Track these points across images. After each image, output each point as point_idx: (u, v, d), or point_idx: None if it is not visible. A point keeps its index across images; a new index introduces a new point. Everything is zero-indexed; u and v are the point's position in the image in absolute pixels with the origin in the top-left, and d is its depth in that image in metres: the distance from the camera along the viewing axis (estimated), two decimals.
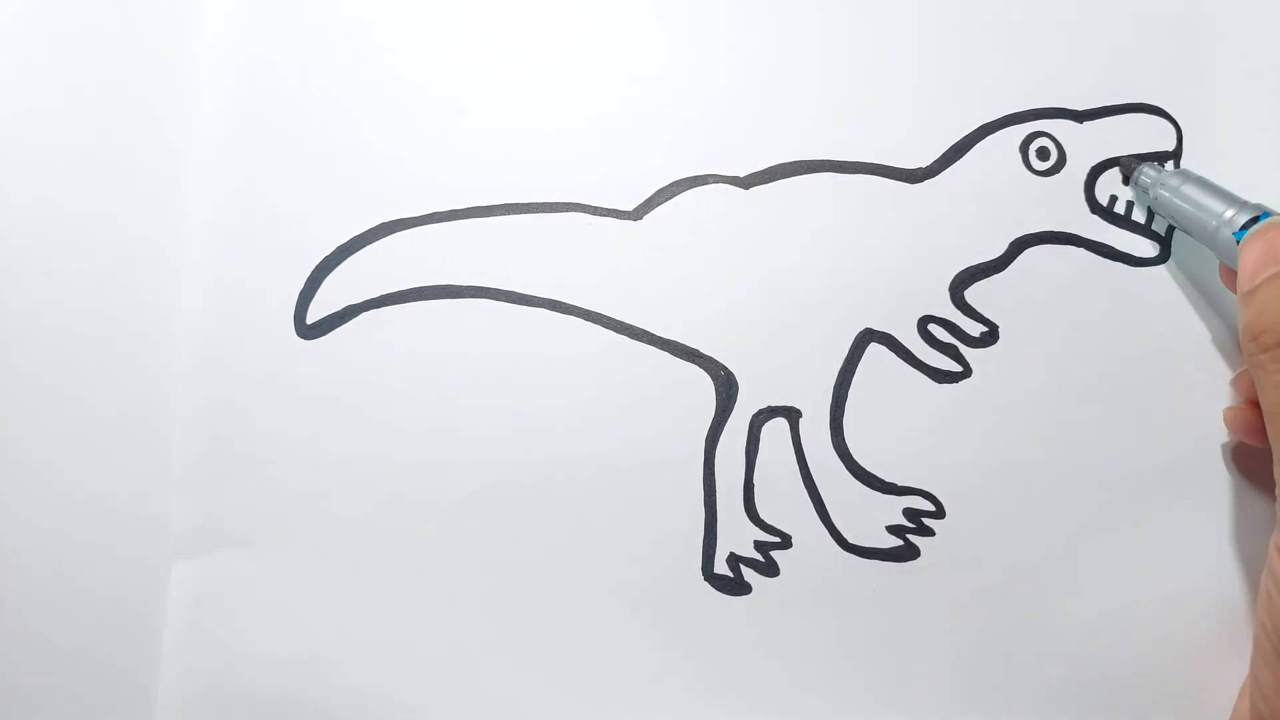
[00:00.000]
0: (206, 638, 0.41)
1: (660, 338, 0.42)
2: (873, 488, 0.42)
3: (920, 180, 0.43)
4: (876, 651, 0.41)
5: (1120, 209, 0.43)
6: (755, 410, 0.42)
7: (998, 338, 0.42)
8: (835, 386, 0.42)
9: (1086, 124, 0.43)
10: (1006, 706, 0.41)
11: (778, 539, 0.41)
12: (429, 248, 0.43)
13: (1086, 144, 0.43)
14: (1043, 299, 0.42)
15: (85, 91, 0.44)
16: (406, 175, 0.43)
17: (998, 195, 0.43)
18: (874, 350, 0.42)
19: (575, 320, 0.42)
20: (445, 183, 0.43)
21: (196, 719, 0.41)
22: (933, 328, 0.42)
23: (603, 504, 0.41)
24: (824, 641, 0.41)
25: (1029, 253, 0.43)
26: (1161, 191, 0.40)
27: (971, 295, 0.42)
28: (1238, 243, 0.37)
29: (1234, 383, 0.41)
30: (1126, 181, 0.42)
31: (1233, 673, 0.40)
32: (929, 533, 0.41)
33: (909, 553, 0.41)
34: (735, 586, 0.41)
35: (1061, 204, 0.43)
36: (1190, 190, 0.39)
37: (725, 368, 0.42)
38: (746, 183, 0.43)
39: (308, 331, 0.43)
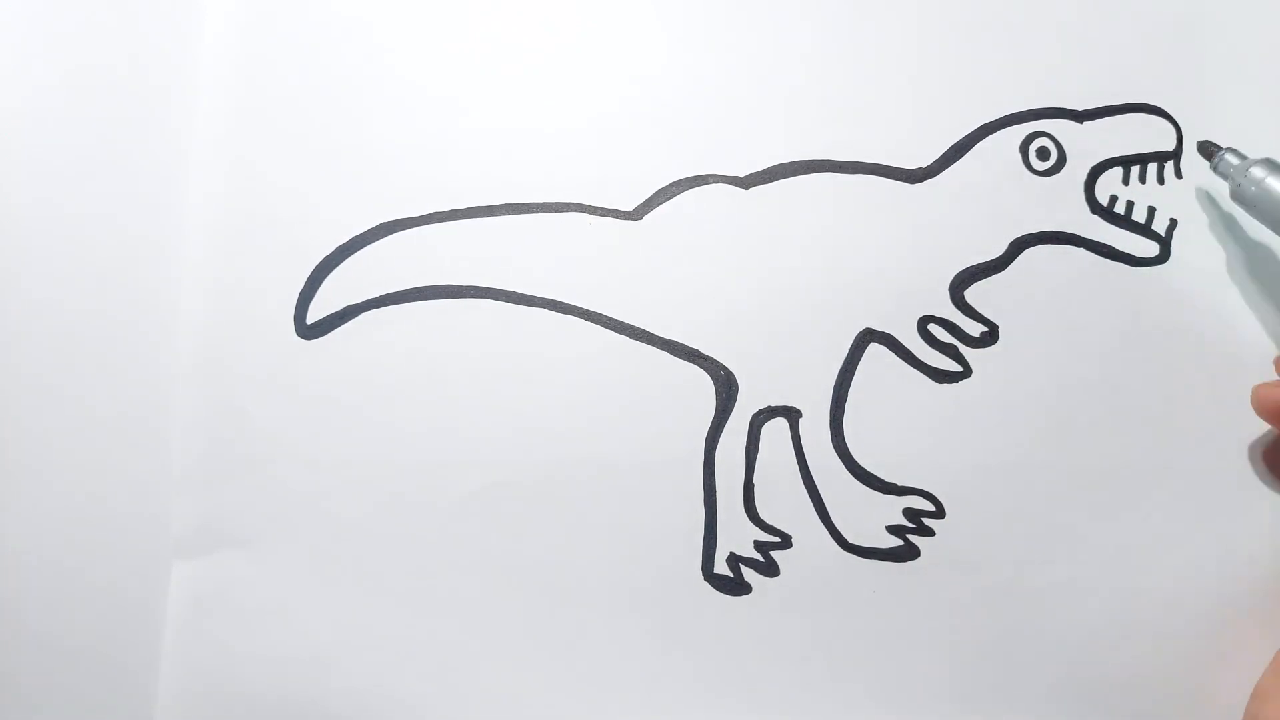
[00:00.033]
0: (206, 638, 0.41)
1: (660, 338, 0.42)
2: (873, 488, 0.42)
3: (920, 180, 0.43)
4: (876, 651, 0.41)
5: (1120, 209, 0.43)
6: (755, 410, 0.42)
7: (998, 338, 0.42)
8: (835, 386, 0.42)
9: (1086, 124, 0.43)
10: (1006, 706, 0.41)
11: (778, 539, 0.41)
12: (429, 248, 0.43)
13: (1086, 144, 0.43)
14: (1043, 299, 0.42)
15: (85, 91, 0.44)
16: (406, 175, 0.43)
17: (998, 195, 0.43)
18: (874, 350, 0.42)
19: (575, 320, 0.42)
20: (445, 183, 0.43)
21: (196, 719, 0.41)
22: (933, 328, 0.42)
23: (603, 504, 0.41)
24: (824, 641, 0.41)
25: (1029, 253, 0.43)
26: (1245, 181, 0.39)
27: (971, 295, 0.42)
28: None
29: (1277, 362, 0.40)
30: (1208, 158, 0.41)
31: (1233, 673, 0.40)
32: (929, 533, 0.41)
33: (909, 553, 0.41)
34: (735, 586, 0.41)
35: (1061, 204, 0.43)
36: (1275, 182, 0.39)
37: (725, 368, 0.42)
38: (746, 183, 0.43)
39: (308, 331, 0.43)
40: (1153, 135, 0.43)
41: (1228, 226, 0.43)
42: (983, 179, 0.43)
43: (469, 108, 0.44)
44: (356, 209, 0.43)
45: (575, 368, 0.42)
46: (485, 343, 0.42)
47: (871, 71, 0.44)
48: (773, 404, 0.42)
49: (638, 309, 0.42)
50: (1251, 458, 0.41)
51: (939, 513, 0.41)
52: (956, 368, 0.42)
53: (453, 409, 0.42)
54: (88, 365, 0.43)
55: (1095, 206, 0.43)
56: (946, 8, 0.44)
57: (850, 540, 0.41)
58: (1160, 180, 0.43)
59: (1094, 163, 0.43)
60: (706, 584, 0.41)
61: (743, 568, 0.41)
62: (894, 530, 0.41)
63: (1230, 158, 0.40)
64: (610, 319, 0.42)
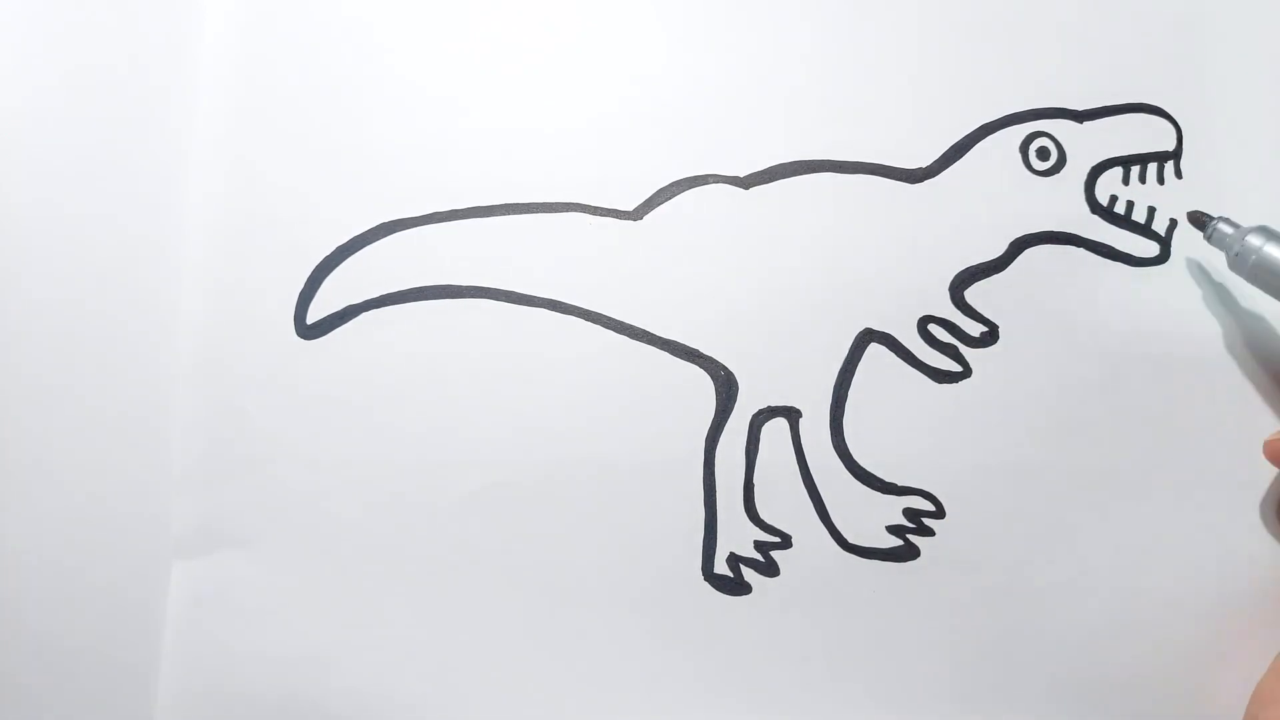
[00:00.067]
0: (206, 638, 0.41)
1: (660, 338, 0.42)
2: (873, 488, 0.42)
3: (920, 180, 0.43)
4: (876, 651, 0.41)
5: (1120, 209, 0.43)
6: (755, 410, 0.42)
7: (998, 338, 0.42)
8: (835, 386, 0.42)
9: (1086, 124, 0.43)
10: (1006, 706, 0.41)
11: (778, 539, 0.41)
12: (429, 248, 0.43)
13: (1086, 144, 0.43)
14: (1043, 299, 0.42)
15: (85, 91, 0.44)
16: (406, 175, 0.43)
17: (998, 195, 0.43)
18: (874, 350, 0.42)
19: (575, 320, 0.42)
20: (445, 183, 0.43)
21: (196, 719, 0.41)
22: (933, 328, 0.42)
23: (603, 504, 0.41)
24: (824, 641, 0.41)
25: (1029, 253, 0.43)
26: (1243, 251, 0.39)
27: (971, 295, 0.42)
28: None
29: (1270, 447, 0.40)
30: (1200, 228, 0.41)
31: (1233, 673, 0.40)
32: (929, 533, 0.41)
33: (909, 553, 0.41)
34: (735, 586, 0.41)
35: (1061, 204, 0.43)
36: (1274, 250, 0.38)
37: (725, 368, 0.42)
38: (746, 183, 0.43)
39: (308, 331, 0.43)
40: (1153, 135, 0.43)
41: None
42: (983, 179, 0.43)
43: (469, 108, 0.44)
44: (356, 209, 0.43)
45: (575, 368, 0.42)
46: (485, 343, 0.42)
47: (871, 71, 0.44)
48: (773, 404, 0.42)
49: (638, 309, 0.42)
50: (1252, 458, 0.41)
51: (939, 513, 0.41)
52: (956, 368, 0.42)
53: (453, 409, 0.42)
54: (88, 365, 0.43)
55: (1095, 206, 0.43)
56: (946, 8, 0.44)
57: (850, 540, 0.41)
58: (1160, 180, 0.43)
59: (1094, 163, 0.43)
60: (706, 584, 0.41)
61: (743, 568, 0.41)
62: (894, 530, 0.41)
63: (1224, 227, 0.40)
64: (610, 319, 0.42)
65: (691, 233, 0.43)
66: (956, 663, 0.41)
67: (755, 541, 0.41)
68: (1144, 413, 0.42)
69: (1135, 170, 0.43)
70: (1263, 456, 0.40)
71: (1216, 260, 0.42)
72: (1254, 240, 0.39)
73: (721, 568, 0.41)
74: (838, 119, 0.43)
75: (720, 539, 0.41)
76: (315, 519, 0.42)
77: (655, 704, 0.41)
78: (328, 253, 0.43)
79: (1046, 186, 0.43)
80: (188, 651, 0.41)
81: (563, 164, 0.43)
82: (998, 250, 0.43)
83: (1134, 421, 0.42)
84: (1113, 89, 0.43)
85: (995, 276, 0.42)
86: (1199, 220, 0.40)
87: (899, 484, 0.42)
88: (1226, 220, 0.40)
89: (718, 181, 0.43)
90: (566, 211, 0.43)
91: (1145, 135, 0.43)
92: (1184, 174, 0.43)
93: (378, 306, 0.43)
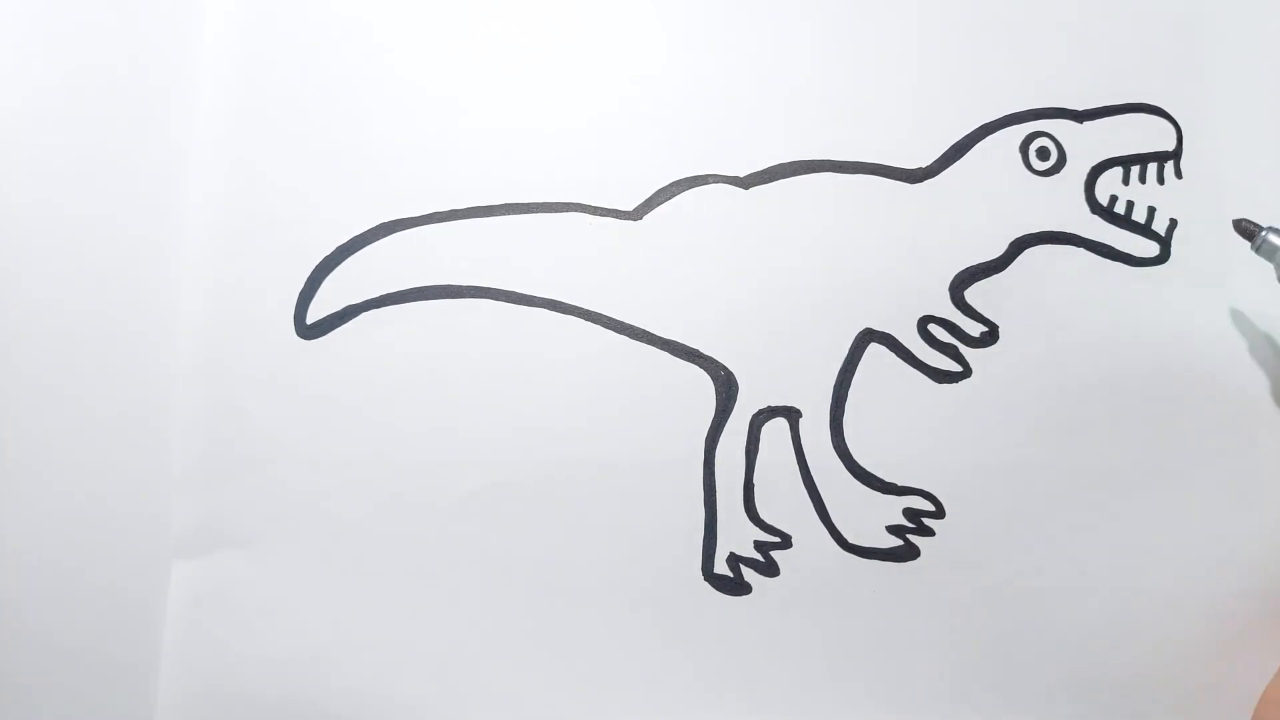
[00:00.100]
0: (206, 638, 0.41)
1: (660, 338, 0.42)
2: (873, 488, 0.42)
3: (920, 180, 0.43)
4: (876, 651, 0.41)
5: (1120, 209, 0.43)
6: (755, 410, 0.42)
7: (998, 338, 0.42)
8: (835, 386, 0.42)
9: (1086, 124, 0.43)
10: (1006, 706, 0.41)
11: (778, 539, 0.41)
12: (429, 248, 0.43)
13: (1086, 144, 0.43)
14: (1043, 299, 0.42)
15: (85, 91, 0.44)
16: (406, 175, 0.43)
17: (998, 195, 0.43)
18: (874, 350, 0.42)
19: (575, 320, 0.42)
20: (445, 183, 0.43)
21: (196, 718, 0.41)
22: (933, 328, 0.42)
23: (603, 504, 0.41)
24: (824, 641, 0.41)
25: (1029, 253, 0.43)
26: None
27: (971, 295, 0.42)
28: None
29: None
30: (1249, 238, 0.40)
31: (1233, 673, 0.40)
32: (929, 533, 0.41)
33: (909, 553, 0.41)
34: (735, 586, 0.41)
35: (1061, 204, 0.43)
36: None
37: (725, 368, 0.42)
38: (746, 183, 0.43)
39: (308, 331, 0.43)
40: (1153, 135, 0.43)
41: (1228, 226, 0.42)
42: (983, 179, 0.43)
43: (469, 108, 0.44)
44: (356, 209, 0.43)
45: (575, 368, 0.42)
46: (485, 343, 0.42)
47: (871, 71, 0.44)
48: (773, 404, 0.42)
49: (638, 309, 0.42)
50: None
51: (939, 513, 0.41)
52: (956, 368, 0.42)
53: (453, 409, 0.42)
54: (88, 365, 0.43)
55: (1095, 206, 0.43)
56: (946, 8, 0.44)
57: (850, 540, 0.41)
58: (1160, 180, 0.43)
59: (1094, 163, 0.43)
60: (706, 584, 0.41)
61: (743, 568, 0.41)
62: (894, 530, 0.41)
63: (1273, 238, 0.39)
64: (610, 319, 0.42)
65: (691, 233, 0.43)
66: (956, 663, 0.41)
67: (755, 541, 0.41)
68: (1144, 413, 0.42)
69: (1135, 170, 0.43)
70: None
71: (1216, 258, 0.42)
72: None
73: (721, 568, 0.41)
74: (838, 119, 0.43)
75: (720, 539, 0.41)
76: (315, 519, 0.42)
77: (655, 704, 0.41)
78: (328, 253, 0.43)
79: (1046, 186, 0.43)
80: (188, 651, 0.41)
81: (563, 164, 0.43)
82: (998, 250, 0.43)
83: (1134, 421, 0.42)
84: (1113, 89, 0.43)
85: (995, 276, 0.42)
86: (1247, 230, 0.40)
87: (899, 484, 0.42)
88: (1276, 230, 0.39)
89: (718, 181, 0.43)
90: (566, 211, 0.43)
91: (1145, 135, 0.43)
92: (1184, 174, 0.43)
93: (378, 306, 0.43)
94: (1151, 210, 0.43)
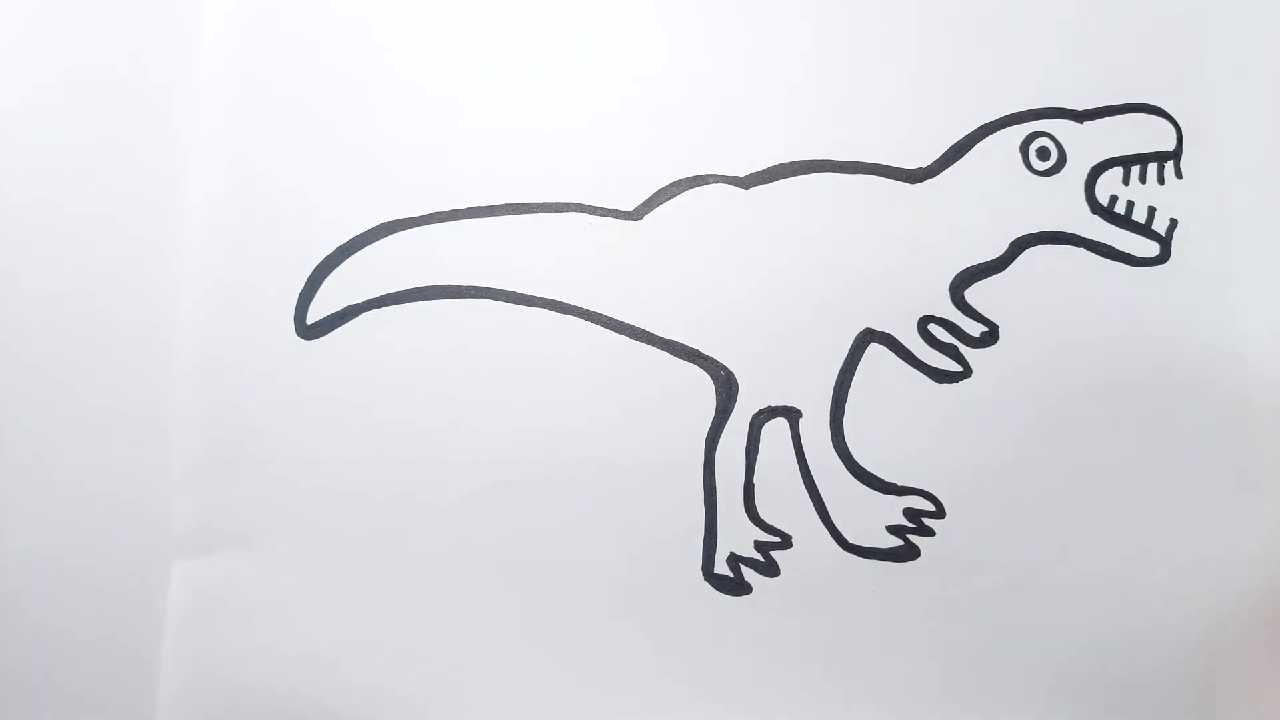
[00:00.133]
0: (206, 637, 0.41)
1: (660, 338, 0.42)
2: (873, 488, 0.42)
3: (920, 180, 0.43)
4: (876, 651, 0.41)
5: (1120, 209, 0.43)
6: (755, 410, 0.42)
7: (998, 338, 0.42)
8: (835, 386, 0.42)
9: (1086, 124, 0.43)
10: (1006, 706, 0.41)
11: (778, 539, 0.41)
12: (429, 248, 0.43)
13: (1086, 144, 0.43)
14: (1043, 299, 0.42)
15: (85, 91, 0.44)
16: (406, 175, 0.43)
17: (998, 195, 0.43)
18: (874, 350, 0.42)
19: (575, 320, 0.42)
20: (445, 183, 0.43)
21: (197, 718, 0.41)
22: (933, 328, 0.42)
23: (603, 504, 0.41)
24: (824, 641, 0.41)
25: (1029, 253, 0.43)
26: None
27: (971, 295, 0.42)
28: None
29: None
30: None
31: (1233, 673, 0.40)
32: (929, 533, 0.41)
33: (909, 553, 0.41)
34: (735, 586, 0.41)
35: (1061, 204, 0.43)
36: None
37: (725, 368, 0.42)
38: (746, 183, 0.43)
39: (308, 331, 0.43)
40: (1153, 135, 0.43)
41: (1228, 226, 0.42)
42: (983, 179, 0.43)
43: (469, 108, 0.44)
44: (356, 209, 0.43)
45: (575, 368, 0.42)
46: (485, 343, 0.42)
47: (871, 71, 0.44)
48: (773, 404, 0.42)
49: (638, 309, 0.42)
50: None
51: (939, 513, 0.41)
52: (956, 368, 0.42)
53: (453, 409, 0.42)
54: (88, 365, 0.43)
55: (1095, 206, 0.43)
56: (946, 8, 0.44)
57: (850, 540, 0.41)
58: (1160, 180, 0.43)
59: (1094, 163, 0.43)
60: (707, 584, 0.41)
61: (743, 568, 0.41)
62: (894, 530, 0.41)
63: None
64: (610, 319, 0.42)
65: (691, 233, 0.43)
66: (956, 663, 0.41)
67: (755, 541, 0.41)
68: (1144, 413, 0.42)
69: (1135, 170, 0.43)
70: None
71: (1216, 258, 0.42)
72: None
73: (722, 568, 0.41)
74: (838, 119, 0.43)
75: (720, 539, 0.41)
76: (315, 519, 0.42)
77: (655, 704, 0.41)
78: (328, 253, 0.43)
79: (1046, 186, 0.43)
80: (188, 651, 0.41)
81: (563, 164, 0.43)
82: (998, 250, 0.43)
83: (1134, 421, 0.42)
84: (1113, 89, 0.43)
85: (995, 276, 0.42)
86: None
87: (899, 484, 0.42)
88: None
89: (718, 181, 0.43)
90: (566, 211, 0.43)
91: (1145, 135, 0.43)
92: (1184, 174, 0.43)
93: (378, 306, 0.43)
94: (1151, 210, 0.43)
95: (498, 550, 0.42)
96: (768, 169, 0.43)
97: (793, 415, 0.42)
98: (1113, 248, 0.43)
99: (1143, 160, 0.43)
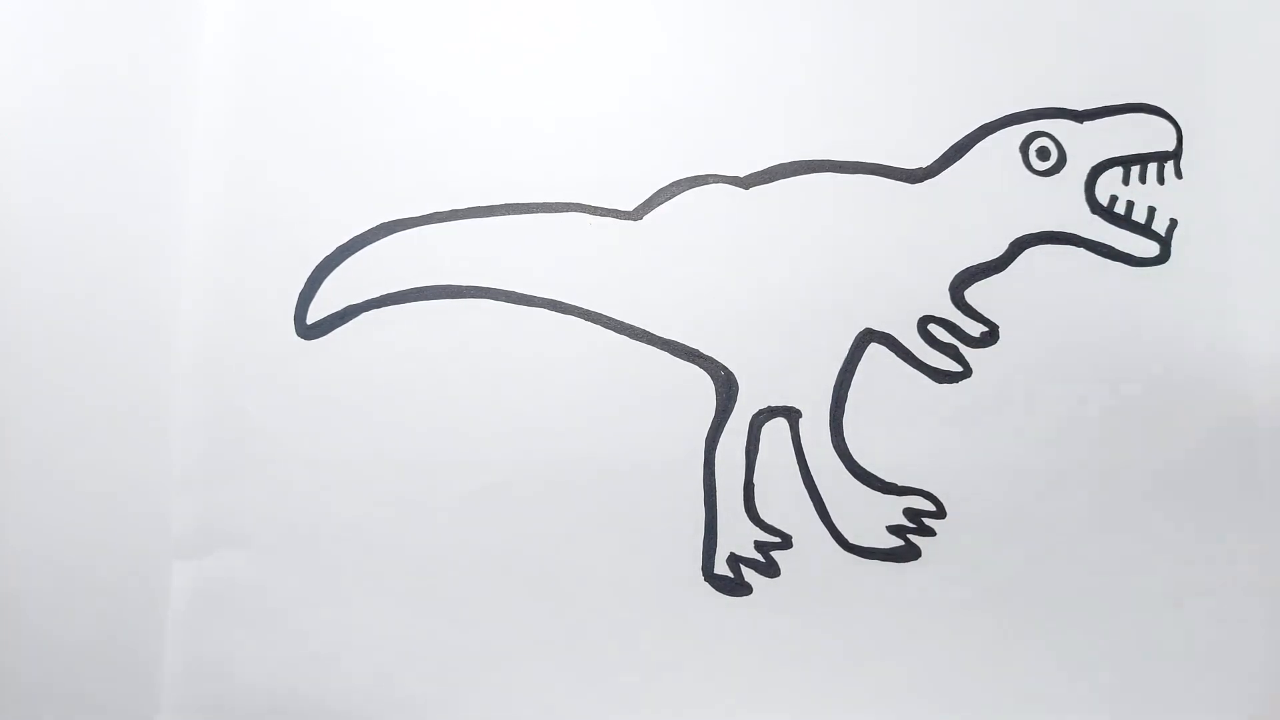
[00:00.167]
0: (206, 638, 0.41)
1: (660, 338, 0.42)
2: (873, 488, 0.42)
3: (920, 180, 0.43)
4: (876, 651, 0.41)
5: (1120, 209, 0.43)
6: (755, 410, 0.42)
7: (998, 338, 0.42)
8: (835, 386, 0.42)
9: (1086, 124, 0.43)
10: (1007, 707, 0.41)
11: (778, 539, 0.41)
12: (429, 248, 0.43)
13: (1086, 144, 0.43)
14: (1043, 299, 0.42)
15: (85, 91, 0.44)
16: (406, 175, 0.43)
17: (998, 195, 0.43)
18: (874, 350, 0.42)
19: (575, 320, 0.42)
20: (445, 183, 0.43)
21: (197, 718, 0.41)
22: (933, 328, 0.42)
23: (603, 504, 0.41)
24: (824, 641, 0.41)
25: (1029, 253, 0.43)
26: None
27: (971, 295, 0.42)
28: None
29: None
30: None
31: (1233, 674, 0.40)
32: (929, 533, 0.41)
33: (910, 553, 0.41)
34: (735, 587, 0.41)
35: (1061, 204, 0.43)
36: None
37: (725, 368, 0.42)
38: (746, 183, 0.43)
39: (308, 331, 0.43)
40: (1153, 135, 0.43)
41: (1227, 226, 0.42)
42: (983, 179, 0.43)
43: (469, 108, 0.44)
44: (356, 209, 0.43)
45: (575, 368, 0.42)
46: (485, 343, 0.42)
47: (871, 71, 0.44)
48: (773, 404, 0.42)
49: (638, 309, 0.42)
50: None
51: (939, 513, 0.41)
52: (956, 368, 0.42)
53: (453, 409, 0.42)
54: (88, 365, 0.43)
55: (1095, 206, 0.43)
56: (946, 8, 0.44)
57: (851, 540, 0.41)
58: (1160, 180, 0.43)
59: (1094, 163, 0.43)
60: (707, 584, 0.41)
61: (743, 568, 0.41)
62: (894, 530, 0.41)
63: None
64: (610, 319, 0.42)
65: (691, 233, 0.43)
66: (956, 663, 0.41)
67: (755, 542, 0.41)
68: (1144, 413, 0.42)
69: (1135, 170, 0.43)
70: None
71: (1216, 258, 0.42)
72: None
73: (722, 568, 0.41)
74: (838, 119, 0.43)
75: (720, 539, 0.41)
76: (315, 519, 0.42)
77: (655, 704, 0.41)
78: (328, 253, 0.43)
79: (1046, 186, 0.43)
80: (188, 650, 0.41)
81: (563, 164, 0.43)
82: (998, 250, 0.43)
83: (1134, 421, 0.42)
84: (1113, 89, 0.43)
85: (995, 276, 0.42)
86: None
87: (899, 484, 0.42)
88: None
89: (718, 181, 0.43)
90: (566, 211, 0.43)
91: (1145, 135, 0.43)
92: (1184, 174, 0.43)
93: (378, 306, 0.43)
94: (1151, 210, 0.43)
95: (497, 550, 0.42)
96: (768, 169, 0.43)
97: (792, 415, 0.42)
98: (1113, 248, 0.43)
99: (1143, 160, 0.43)
